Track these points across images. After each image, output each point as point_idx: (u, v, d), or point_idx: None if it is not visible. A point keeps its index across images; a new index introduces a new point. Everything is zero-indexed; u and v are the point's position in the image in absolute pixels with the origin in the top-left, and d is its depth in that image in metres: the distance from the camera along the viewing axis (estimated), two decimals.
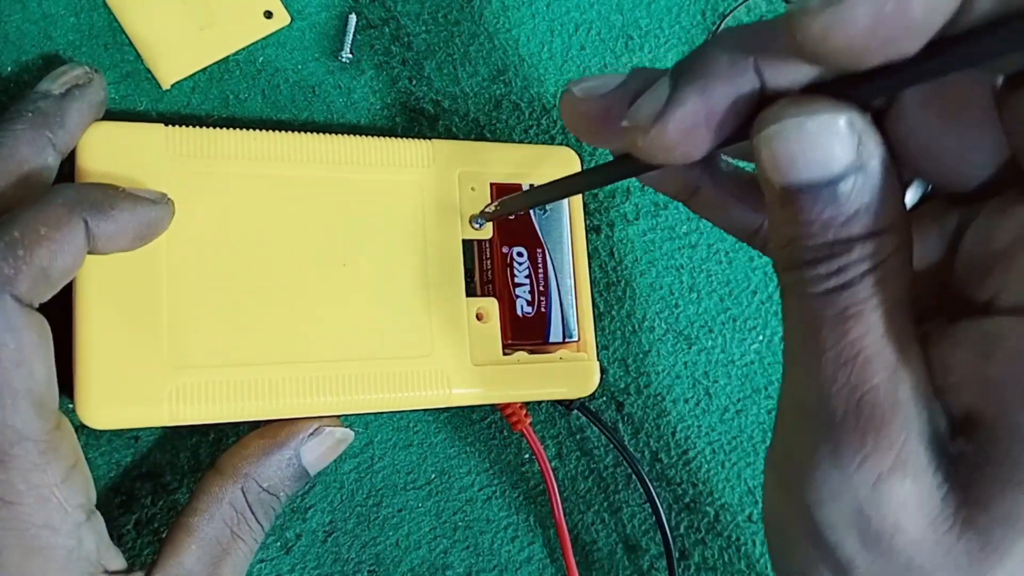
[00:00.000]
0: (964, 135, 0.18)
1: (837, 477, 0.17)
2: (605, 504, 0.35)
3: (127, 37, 0.31)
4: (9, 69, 0.29)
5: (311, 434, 0.28)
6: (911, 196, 0.20)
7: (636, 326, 0.36)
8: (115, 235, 0.25)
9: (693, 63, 0.18)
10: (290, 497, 0.28)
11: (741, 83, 0.17)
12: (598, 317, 0.35)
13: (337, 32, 0.33)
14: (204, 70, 0.31)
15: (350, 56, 0.33)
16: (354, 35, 0.33)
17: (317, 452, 0.28)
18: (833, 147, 0.16)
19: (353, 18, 0.33)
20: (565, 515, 0.33)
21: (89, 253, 0.24)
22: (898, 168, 0.18)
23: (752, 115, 0.17)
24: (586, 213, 0.35)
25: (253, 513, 0.27)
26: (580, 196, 0.34)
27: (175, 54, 0.31)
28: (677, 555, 0.35)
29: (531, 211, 0.33)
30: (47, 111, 0.26)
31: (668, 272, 0.37)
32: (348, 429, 0.29)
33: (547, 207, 0.33)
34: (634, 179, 0.37)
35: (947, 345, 0.18)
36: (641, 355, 0.36)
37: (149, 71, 0.31)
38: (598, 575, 0.34)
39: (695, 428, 0.36)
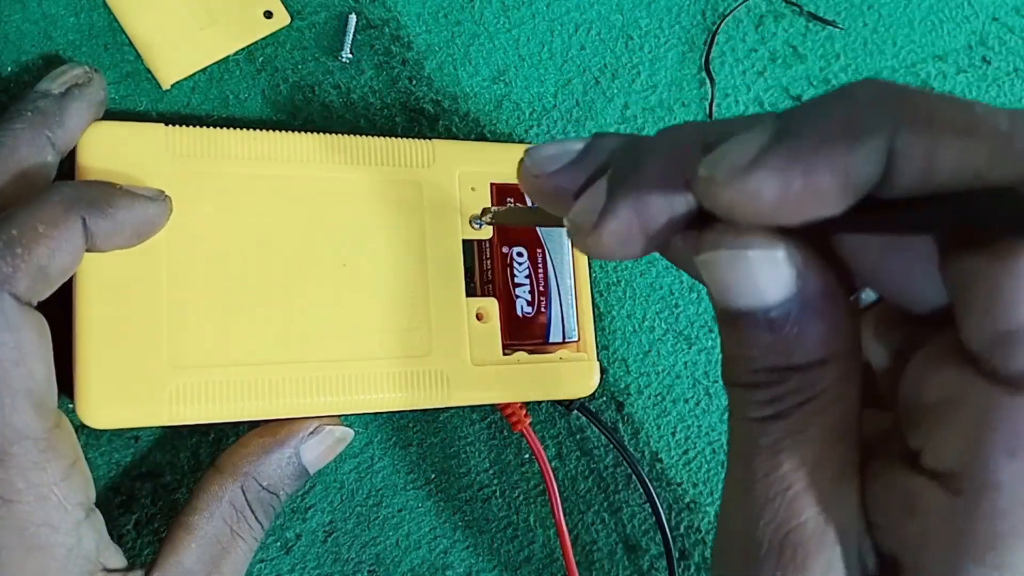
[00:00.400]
0: (907, 269, 0.17)
1: None
2: (605, 504, 0.35)
3: (127, 37, 0.31)
4: (9, 69, 0.29)
5: (311, 433, 0.28)
6: (866, 295, 0.20)
7: (636, 326, 0.36)
8: (113, 232, 0.25)
9: (629, 173, 0.18)
10: (290, 496, 0.28)
11: (676, 203, 0.17)
12: (598, 317, 0.35)
13: (337, 32, 0.33)
14: (204, 70, 0.31)
15: (350, 56, 0.33)
16: (354, 35, 0.33)
17: (317, 451, 0.28)
18: (769, 279, 0.16)
19: (353, 18, 0.33)
20: (565, 515, 0.33)
21: (87, 251, 0.24)
22: (850, 282, 0.18)
23: (692, 222, 0.17)
24: None
25: (253, 512, 0.27)
26: None
27: (175, 54, 0.31)
28: (677, 555, 0.35)
29: None
30: (46, 110, 0.26)
31: (668, 272, 0.37)
32: (348, 428, 0.29)
33: None
34: None
35: (881, 486, 0.17)
36: (641, 355, 0.36)
37: (149, 71, 0.31)
38: (598, 575, 0.34)
39: (695, 428, 0.36)
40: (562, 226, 0.28)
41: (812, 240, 0.16)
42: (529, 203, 0.33)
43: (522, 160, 0.20)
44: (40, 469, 0.23)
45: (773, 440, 0.17)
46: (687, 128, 0.18)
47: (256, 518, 0.27)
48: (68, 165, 0.27)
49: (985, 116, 0.14)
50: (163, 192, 0.26)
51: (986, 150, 0.14)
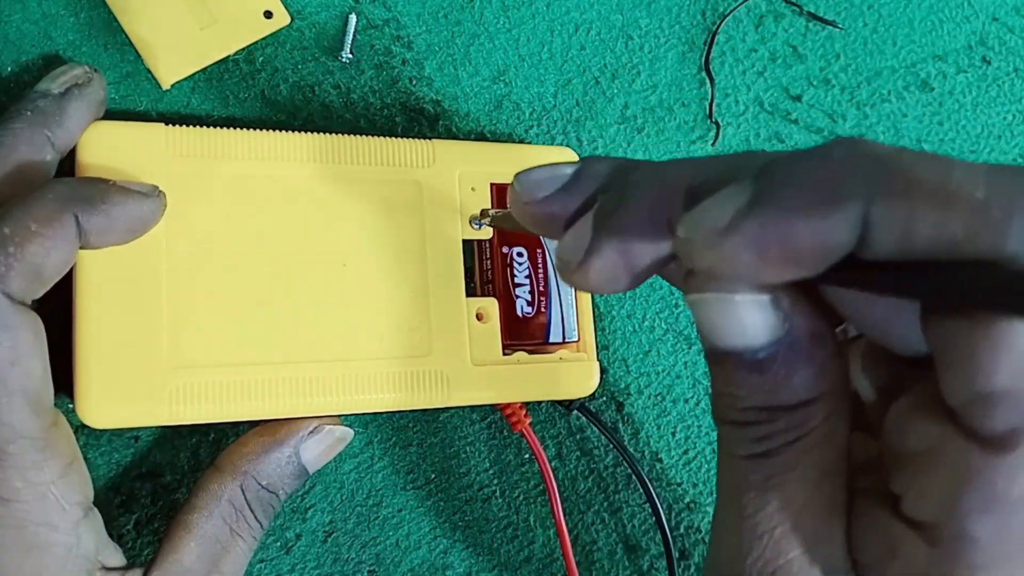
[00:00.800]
0: (890, 317, 0.18)
1: None
2: (605, 504, 0.35)
3: (127, 37, 0.31)
4: (9, 69, 0.29)
5: (310, 432, 0.28)
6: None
7: (636, 326, 0.36)
8: (106, 229, 0.25)
9: (614, 212, 0.18)
10: (289, 495, 0.28)
11: (659, 246, 0.17)
12: (598, 317, 0.35)
13: (337, 32, 0.33)
14: (204, 70, 0.31)
15: (350, 56, 0.33)
16: (354, 35, 0.33)
17: (316, 450, 0.28)
18: (755, 322, 0.16)
19: (353, 18, 0.33)
20: (565, 515, 0.33)
21: (82, 248, 0.24)
22: (837, 319, 0.18)
23: (674, 259, 0.17)
24: None
25: (252, 511, 0.27)
26: None
27: (175, 54, 0.31)
28: (677, 555, 0.35)
29: None
30: (46, 110, 0.26)
31: None
32: (347, 428, 0.29)
33: None
34: None
35: (864, 527, 0.18)
36: (641, 355, 0.36)
37: (149, 71, 0.31)
38: (598, 575, 0.34)
39: (695, 428, 0.36)
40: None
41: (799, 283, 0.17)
42: None
43: (512, 185, 0.20)
44: (38, 468, 0.23)
45: (761, 478, 0.17)
46: (671, 169, 0.18)
47: (255, 517, 0.27)
48: (68, 165, 0.27)
49: (962, 183, 0.14)
50: (157, 188, 0.26)
51: (962, 222, 0.14)
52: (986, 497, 0.15)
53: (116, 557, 0.25)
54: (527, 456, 0.34)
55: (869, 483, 0.18)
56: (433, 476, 0.33)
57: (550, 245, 0.33)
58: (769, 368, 0.16)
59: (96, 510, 0.25)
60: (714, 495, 0.36)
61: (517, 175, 0.20)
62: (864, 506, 0.17)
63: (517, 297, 0.32)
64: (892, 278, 0.15)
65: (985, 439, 0.15)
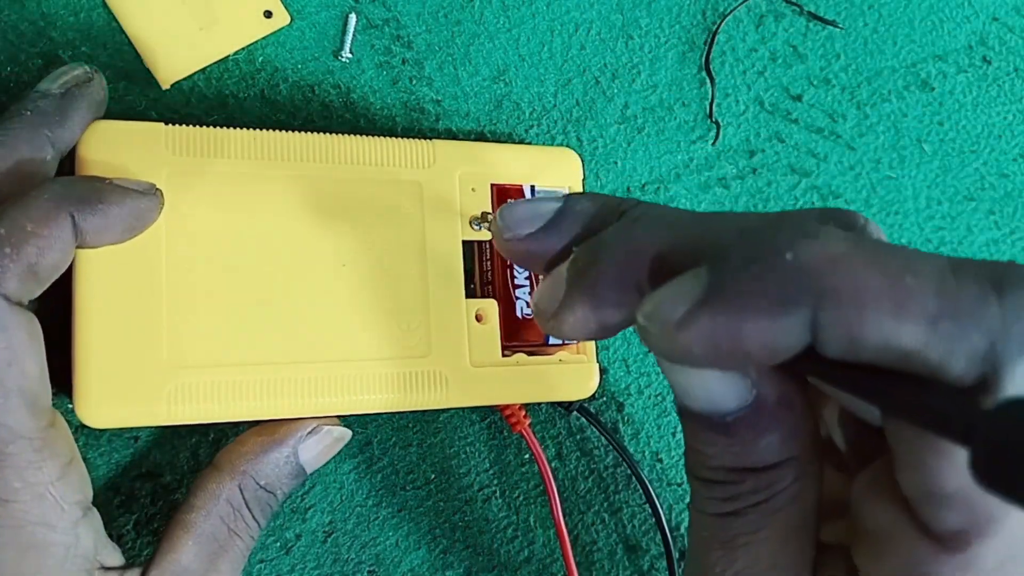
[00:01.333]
0: (856, 401, 0.18)
1: None
2: (605, 504, 0.35)
3: (127, 37, 0.31)
4: (8, 69, 0.29)
5: (309, 432, 0.28)
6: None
7: None
8: (103, 229, 0.25)
9: (587, 269, 0.18)
10: (287, 495, 0.28)
11: (629, 309, 0.17)
12: None
13: (337, 32, 0.33)
14: (204, 70, 0.31)
15: (350, 56, 0.33)
16: (354, 35, 0.33)
17: (315, 450, 0.28)
18: (723, 389, 0.17)
19: (353, 18, 0.33)
20: (565, 515, 0.33)
21: (78, 247, 0.24)
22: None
23: None
24: None
25: (250, 510, 0.27)
26: None
27: (175, 54, 0.31)
28: (677, 555, 0.35)
29: None
30: (46, 110, 0.26)
31: None
32: (346, 428, 0.29)
33: None
34: (634, 181, 0.37)
35: None
36: (641, 355, 0.36)
37: (149, 71, 0.31)
38: (598, 575, 0.34)
39: None
40: None
41: None
42: (526, 187, 0.33)
43: (495, 219, 0.21)
44: (36, 468, 0.23)
45: (730, 537, 0.17)
46: (642, 233, 0.18)
47: (253, 516, 0.27)
48: (68, 164, 0.27)
49: (915, 292, 0.14)
50: (154, 186, 0.26)
51: (910, 335, 0.14)
52: None
53: (115, 556, 0.25)
54: (527, 456, 0.34)
55: (838, 535, 0.18)
56: (433, 476, 0.33)
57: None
58: (736, 432, 0.17)
59: (95, 510, 0.25)
60: None
61: (500, 210, 0.21)
62: (831, 565, 0.18)
63: (517, 299, 0.32)
64: (845, 378, 0.15)
65: (936, 536, 0.15)
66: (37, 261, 0.23)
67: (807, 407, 0.17)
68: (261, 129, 0.29)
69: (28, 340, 0.23)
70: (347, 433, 0.29)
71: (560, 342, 0.32)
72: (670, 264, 0.17)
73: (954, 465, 0.15)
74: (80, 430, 0.27)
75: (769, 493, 0.17)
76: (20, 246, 0.22)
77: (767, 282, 0.15)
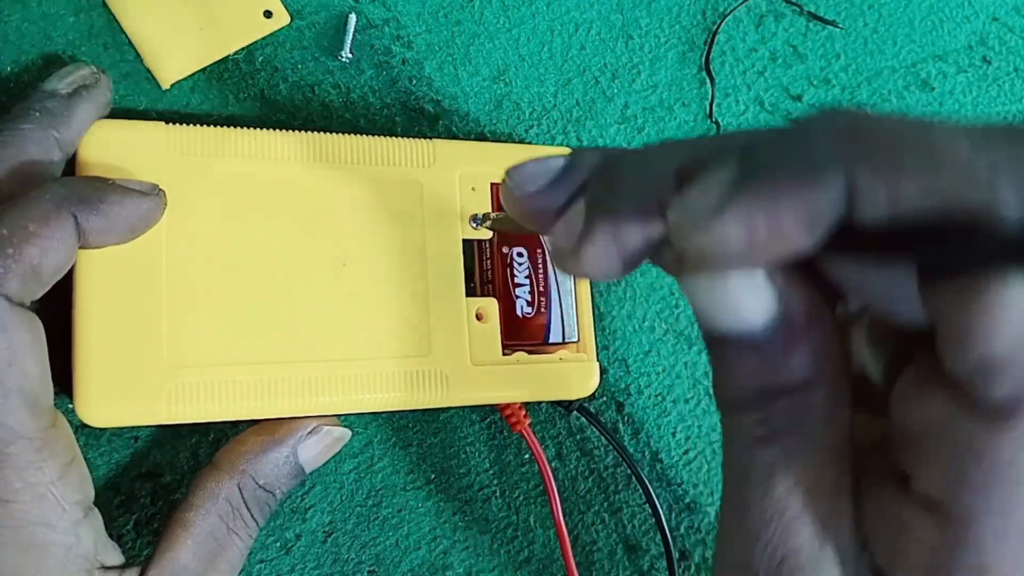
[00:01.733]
0: (890, 288, 0.17)
1: None
2: (605, 504, 0.35)
3: (127, 37, 0.31)
4: (9, 69, 0.29)
5: (309, 432, 0.28)
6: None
7: (636, 326, 0.36)
8: (106, 229, 0.25)
9: (605, 198, 0.18)
10: (286, 494, 0.28)
11: (651, 229, 0.17)
12: (598, 318, 0.35)
13: (337, 32, 0.33)
14: (204, 70, 0.31)
15: (350, 56, 0.33)
16: (354, 35, 0.33)
17: (314, 450, 0.28)
18: (750, 303, 0.16)
19: (353, 18, 0.33)
20: (565, 515, 0.33)
21: (81, 248, 0.24)
22: (835, 297, 0.18)
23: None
24: None
25: (249, 509, 0.27)
26: None
27: (175, 54, 0.31)
28: (677, 555, 0.35)
29: None
30: (54, 111, 0.26)
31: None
32: (346, 428, 0.29)
33: None
34: None
35: (874, 506, 0.17)
36: (641, 355, 0.36)
37: (149, 71, 0.31)
38: (598, 575, 0.34)
39: (695, 428, 0.36)
40: None
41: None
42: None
43: (504, 181, 0.20)
44: (36, 468, 0.23)
45: (766, 463, 0.17)
46: (660, 152, 0.18)
47: (252, 516, 0.27)
48: (69, 163, 0.27)
49: (946, 144, 0.14)
50: (156, 186, 0.26)
51: (948, 183, 0.14)
52: (991, 474, 0.15)
53: (115, 556, 0.25)
54: (527, 456, 0.34)
55: (877, 465, 0.18)
56: (433, 476, 0.33)
57: (550, 246, 0.33)
58: (767, 349, 0.16)
59: (96, 510, 0.25)
60: (715, 495, 0.36)
61: (508, 170, 0.20)
62: (873, 487, 0.17)
63: (517, 297, 0.32)
64: (886, 245, 0.15)
65: (988, 411, 0.15)
66: (39, 262, 0.23)
67: (834, 326, 0.17)
68: (261, 129, 0.30)
69: (30, 340, 0.23)
70: (347, 433, 0.29)
71: (560, 341, 0.32)
72: (695, 175, 0.16)
73: (999, 324, 0.14)
74: (80, 430, 0.27)
75: (803, 415, 0.17)
76: (22, 247, 0.22)
77: (800, 152, 0.15)
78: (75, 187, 0.24)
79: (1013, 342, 0.14)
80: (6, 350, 0.22)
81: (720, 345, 0.17)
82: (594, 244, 0.17)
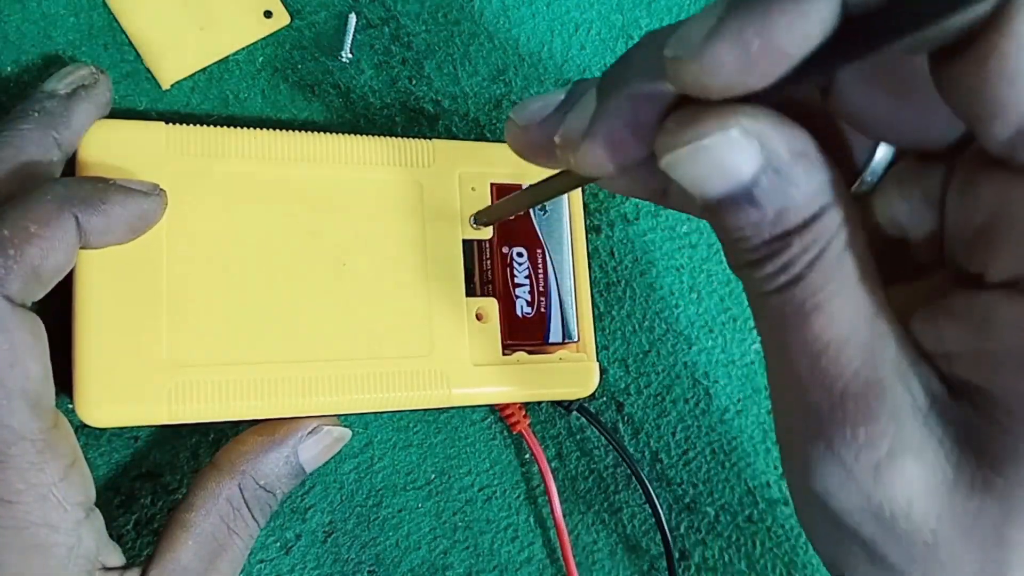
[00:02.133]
0: (914, 105, 0.17)
1: (839, 471, 0.17)
2: (605, 504, 0.35)
3: (127, 37, 0.31)
4: (9, 69, 0.29)
5: (309, 432, 0.28)
6: (881, 154, 0.20)
7: (636, 326, 0.36)
8: (107, 229, 0.25)
9: (615, 76, 0.18)
10: (286, 494, 0.28)
11: (663, 94, 0.17)
12: (598, 317, 0.35)
13: (337, 32, 0.33)
14: (204, 70, 0.31)
15: (350, 56, 0.33)
16: (354, 35, 0.33)
17: (314, 450, 0.28)
18: (733, 159, 0.16)
19: (353, 18, 0.33)
20: (565, 515, 0.33)
21: (82, 248, 0.24)
22: (840, 136, 0.18)
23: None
24: (586, 213, 0.35)
25: (249, 510, 0.27)
26: (580, 196, 0.34)
27: (175, 54, 0.31)
28: (677, 555, 0.35)
29: (531, 211, 0.33)
30: (53, 111, 0.26)
31: (668, 272, 0.37)
32: (346, 428, 0.29)
33: (547, 207, 0.33)
34: None
35: (942, 316, 0.18)
36: (641, 355, 0.36)
37: (149, 71, 0.31)
38: (598, 575, 0.34)
39: (695, 428, 0.36)
40: (549, 199, 0.28)
41: (781, 103, 0.16)
42: (525, 187, 0.33)
43: (509, 120, 0.21)
44: (38, 470, 0.23)
45: (798, 305, 0.17)
46: (663, 29, 0.18)
47: (253, 516, 0.27)
48: (69, 164, 0.27)
49: None
50: (157, 186, 0.26)
51: None
52: None
53: (116, 557, 0.25)
54: (527, 456, 0.34)
55: (937, 290, 0.18)
56: (433, 476, 0.33)
57: (550, 244, 0.33)
58: (761, 198, 0.16)
59: (97, 510, 0.25)
60: (714, 495, 0.36)
61: (514, 107, 0.21)
62: (937, 298, 0.17)
63: (517, 297, 0.32)
64: (888, 22, 0.14)
65: None
66: (40, 263, 0.23)
67: (825, 155, 0.17)
68: (261, 129, 0.30)
69: (32, 341, 0.23)
70: (347, 433, 0.29)
71: (560, 340, 0.32)
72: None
73: (1012, 79, 0.14)
74: (80, 430, 0.27)
75: (820, 246, 0.17)
76: (24, 248, 0.22)
77: None
78: (76, 188, 0.24)
79: None
80: (8, 351, 0.22)
81: (718, 210, 0.17)
82: (607, 119, 0.18)
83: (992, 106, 0.15)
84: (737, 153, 0.16)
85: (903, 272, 0.20)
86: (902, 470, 0.17)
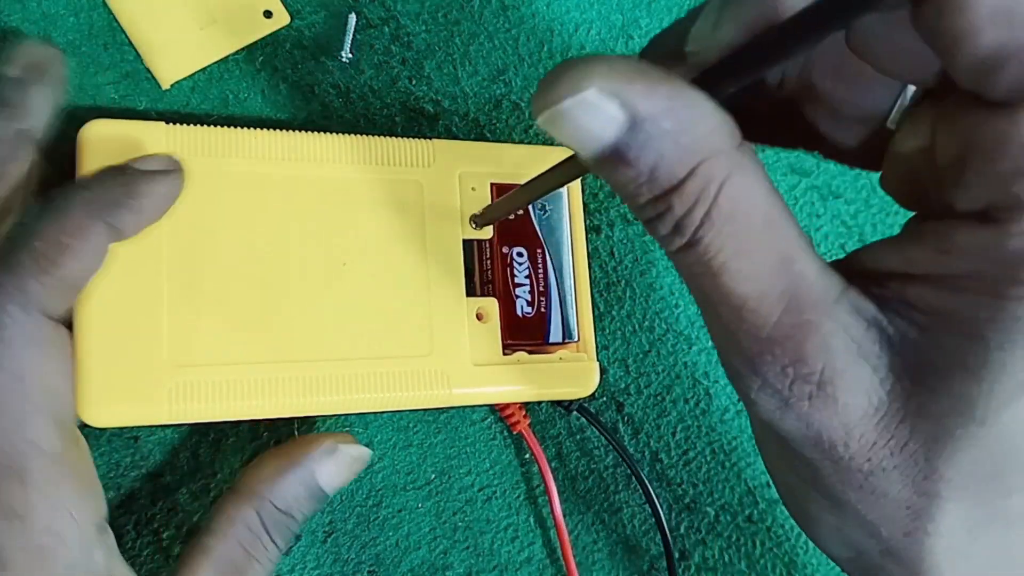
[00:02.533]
0: (908, 48, 0.18)
1: (777, 401, 0.18)
2: (605, 504, 0.35)
3: (127, 37, 0.31)
4: None
5: (327, 453, 0.28)
6: (909, 93, 0.20)
7: (636, 326, 0.36)
8: (138, 222, 0.24)
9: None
10: (307, 517, 0.28)
11: None
12: (598, 317, 0.35)
13: (337, 32, 0.33)
14: (204, 70, 0.31)
15: (350, 56, 0.33)
16: (354, 35, 0.33)
17: (333, 471, 0.28)
18: (591, 121, 0.16)
19: (353, 17, 0.33)
20: (565, 515, 0.33)
21: (112, 243, 0.24)
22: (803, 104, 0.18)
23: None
24: (586, 213, 0.35)
25: (269, 534, 0.26)
26: (580, 197, 0.34)
27: (175, 54, 0.31)
28: (677, 555, 0.35)
29: (531, 211, 0.33)
30: (9, 100, 0.25)
31: (668, 272, 0.37)
32: (365, 448, 0.29)
33: (547, 207, 0.33)
34: None
35: (907, 239, 0.18)
36: (641, 355, 0.36)
37: (149, 71, 0.31)
38: (598, 575, 0.34)
39: (695, 428, 0.36)
40: (547, 193, 0.27)
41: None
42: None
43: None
44: (55, 485, 0.23)
45: (703, 266, 0.17)
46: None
47: (272, 541, 0.26)
48: (69, 164, 0.27)
49: None
50: (172, 158, 0.26)
51: None
52: (1017, 157, 0.15)
53: (128, 575, 0.25)
54: (527, 456, 0.34)
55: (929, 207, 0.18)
56: (433, 476, 0.33)
57: (550, 244, 0.33)
58: (632, 157, 0.16)
59: (109, 529, 0.25)
60: (714, 495, 0.36)
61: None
62: (905, 233, 0.18)
63: (517, 297, 0.32)
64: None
65: (997, 104, 0.15)
66: (74, 275, 0.23)
67: (710, 104, 0.17)
68: (261, 129, 0.30)
69: (60, 357, 0.23)
70: (366, 452, 0.29)
71: (560, 340, 0.32)
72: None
73: (978, 13, 0.14)
74: (80, 430, 0.27)
75: (705, 205, 0.16)
76: (59, 261, 0.22)
77: None
78: (101, 191, 0.24)
79: (998, 36, 0.14)
80: (39, 366, 0.22)
81: (598, 168, 0.17)
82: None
83: (954, 39, 0.15)
84: (594, 114, 0.16)
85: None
86: (835, 399, 0.17)
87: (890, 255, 0.18)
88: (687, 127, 0.16)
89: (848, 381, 0.17)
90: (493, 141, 0.35)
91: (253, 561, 0.26)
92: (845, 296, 0.18)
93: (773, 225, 0.17)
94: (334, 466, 0.28)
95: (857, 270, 0.19)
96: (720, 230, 0.17)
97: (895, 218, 0.40)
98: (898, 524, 0.18)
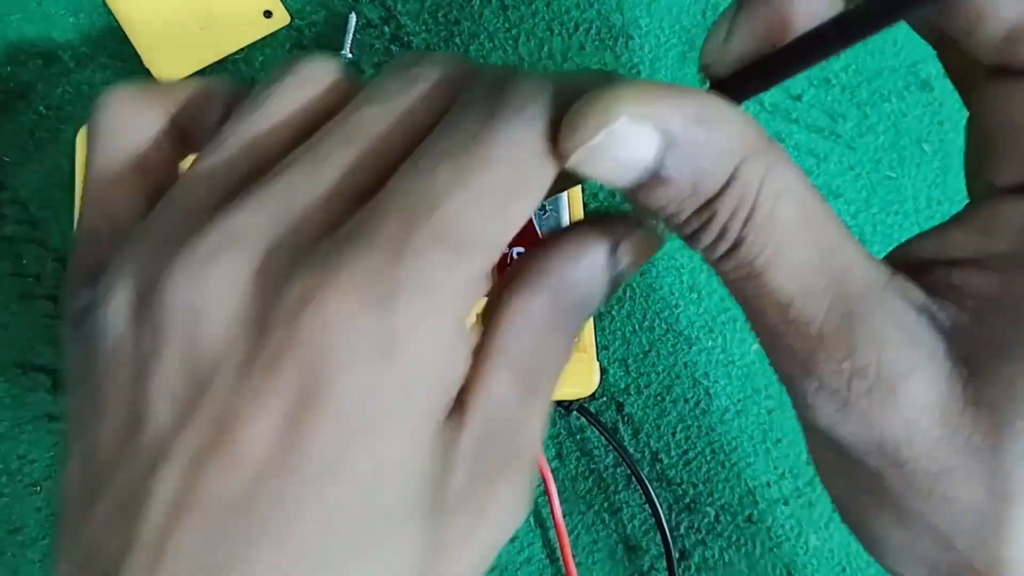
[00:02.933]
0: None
1: (836, 402, 0.17)
2: (605, 504, 0.35)
3: (127, 37, 0.31)
4: (9, 69, 0.29)
5: (623, 233, 0.21)
6: None
7: (636, 326, 0.36)
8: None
9: None
10: (601, 305, 0.22)
11: None
12: (598, 317, 0.35)
13: (337, 31, 0.33)
14: (204, 70, 0.31)
15: (350, 55, 0.33)
16: (354, 35, 0.33)
17: (633, 253, 0.22)
18: (628, 150, 0.16)
19: (353, 17, 0.33)
20: (565, 515, 0.33)
21: None
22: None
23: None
24: (586, 213, 0.35)
25: (563, 325, 0.21)
26: (580, 198, 0.34)
27: (175, 54, 0.31)
28: (677, 555, 0.35)
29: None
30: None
31: (668, 272, 0.37)
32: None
33: (547, 207, 0.33)
34: None
35: (948, 224, 0.18)
36: (641, 355, 0.36)
37: (149, 71, 0.31)
38: (598, 575, 0.34)
39: (695, 428, 0.36)
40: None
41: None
42: None
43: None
44: None
45: (747, 268, 0.17)
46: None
47: (566, 331, 0.22)
48: (68, 164, 0.27)
49: None
50: None
51: None
52: None
53: None
54: None
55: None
56: None
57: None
58: (673, 176, 0.16)
59: None
60: (714, 495, 0.36)
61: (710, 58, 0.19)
62: (950, 222, 0.18)
63: None
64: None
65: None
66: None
67: (732, 105, 0.17)
68: None
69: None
70: (662, 233, 0.22)
71: None
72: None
73: None
74: None
75: (748, 205, 0.16)
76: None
77: None
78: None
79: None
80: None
81: (639, 198, 0.17)
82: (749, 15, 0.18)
83: (975, 14, 0.15)
84: (630, 143, 0.16)
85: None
86: (894, 391, 0.17)
87: (933, 243, 0.18)
88: (721, 133, 0.16)
89: (905, 370, 0.17)
90: None
91: (550, 355, 0.21)
92: (892, 283, 0.17)
93: (812, 217, 0.17)
94: (633, 247, 0.22)
95: (900, 263, 0.18)
96: (763, 228, 0.17)
97: (895, 218, 0.40)
98: (972, 533, 0.17)
